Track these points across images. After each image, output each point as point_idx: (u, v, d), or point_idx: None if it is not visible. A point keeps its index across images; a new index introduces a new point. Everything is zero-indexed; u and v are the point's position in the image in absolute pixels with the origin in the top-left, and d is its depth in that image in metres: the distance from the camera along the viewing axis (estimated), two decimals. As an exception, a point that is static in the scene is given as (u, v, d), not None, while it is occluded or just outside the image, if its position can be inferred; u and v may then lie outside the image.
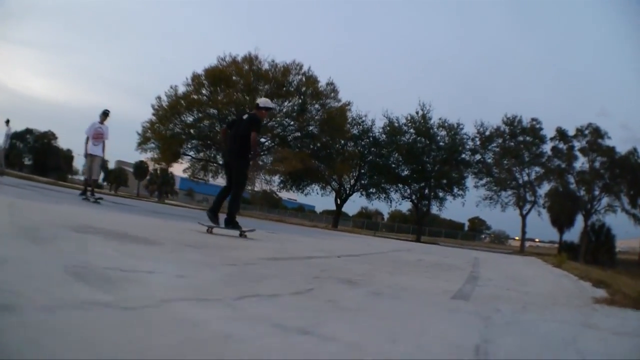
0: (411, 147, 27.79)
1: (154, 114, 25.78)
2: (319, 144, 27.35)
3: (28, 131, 65.45)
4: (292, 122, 27.05)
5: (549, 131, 32.66)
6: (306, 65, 26.46)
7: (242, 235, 5.15)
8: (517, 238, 73.24)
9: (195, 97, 26.10)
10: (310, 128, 27.25)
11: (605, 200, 34.72)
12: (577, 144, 33.70)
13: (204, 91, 26.19)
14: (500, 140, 31.12)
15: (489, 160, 31.22)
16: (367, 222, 50.64)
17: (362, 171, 29.03)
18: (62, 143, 67.02)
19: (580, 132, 33.71)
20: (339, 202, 29.58)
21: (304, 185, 29.17)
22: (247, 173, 5.60)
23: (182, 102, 25.77)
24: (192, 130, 26.37)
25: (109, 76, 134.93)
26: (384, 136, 28.78)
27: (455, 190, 29.41)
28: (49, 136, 64.97)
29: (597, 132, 33.84)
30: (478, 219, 58.01)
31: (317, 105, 27.03)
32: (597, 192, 34.59)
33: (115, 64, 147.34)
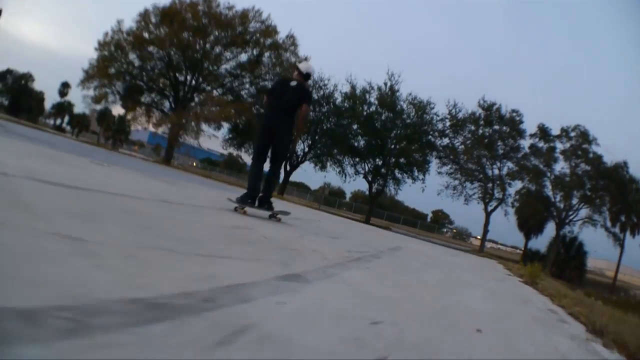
0: (370, 117, 25.19)
1: (97, 49, 23.44)
2: None
3: (8, 72, 63.53)
4: (244, 74, 24.41)
5: (529, 127, 29.92)
6: (266, 13, 23.86)
7: (273, 217, 4.57)
8: (478, 237, 71.70)
9: (145, 34, 23.52)
10: (264, 82, 24.68)
11: (583, 212, 32.22)
12: (560, 146, 31.06)
13: (152, 28, 23.61)
14: (472, 127, 28.42)
15: (458, 146, 28.50)
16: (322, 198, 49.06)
17: (316, 137, 26.43)
18: (38, 85, 65.06)
19: (565, 132, 30.98)
20: (288, 168, 27.02)
21: (249, 145, 26.67)
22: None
23: (129, 38, 23.20)
24: (137, 72, 24.07)
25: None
26: (346, 104, 26.12)
27: (416, 172, 26.84)
28: (27, 77, 62.94)
29: (584, 136, 31.13)
30: (442, 212, 55.77)
31: (273, 59, 24.31)
32: (574, 202, 32.09)
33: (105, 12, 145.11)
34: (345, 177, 27.31)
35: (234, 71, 24.54)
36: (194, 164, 59.38)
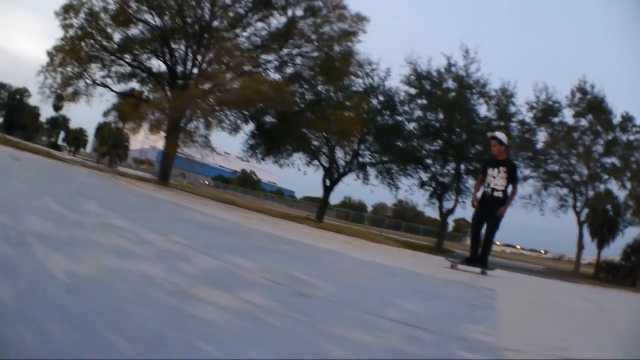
0: (456, 102, 18.06)
1: (61, 22, 15.88)
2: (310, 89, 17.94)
3: (2, 86, 58.82)
4: (274, 46, 17.03)
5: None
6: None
7: (483, 273, 5.19)
8: (518, 247, 64.01)
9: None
10: (298, 61, 17.64)
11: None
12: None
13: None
14: (558, 119, 21.93)
15: (540, 143, 21.96)
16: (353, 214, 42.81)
17: (369, 138, 19.61)
18: (34, 101, 60.37)
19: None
20: (328, 183, 20.54)
21: (282, 153, 20.15)
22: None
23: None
24: (117, 48, 16.47)
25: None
26: (403, 94, 19.48)
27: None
28: (22, 92, 58.11)
29: None
30: (464, 220, 48.80)
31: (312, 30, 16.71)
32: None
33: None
34: (397, 190, 20.66)
35: (260, 42, 17.08)
36: (207, 182, 53.42)
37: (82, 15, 15.85)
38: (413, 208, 41.63)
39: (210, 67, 15.49)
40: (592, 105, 21.89)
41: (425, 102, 18.99)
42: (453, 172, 19.64)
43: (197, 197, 12.56)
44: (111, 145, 29.87)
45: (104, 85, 17.22)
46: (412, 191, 20.40)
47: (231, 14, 16.01)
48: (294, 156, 20.32)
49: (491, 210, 5.01)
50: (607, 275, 23.47)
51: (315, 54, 17.23)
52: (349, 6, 16.26)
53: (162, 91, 17.03)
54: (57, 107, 47.37)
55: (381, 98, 19.56)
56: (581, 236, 24.75)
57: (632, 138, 23.80)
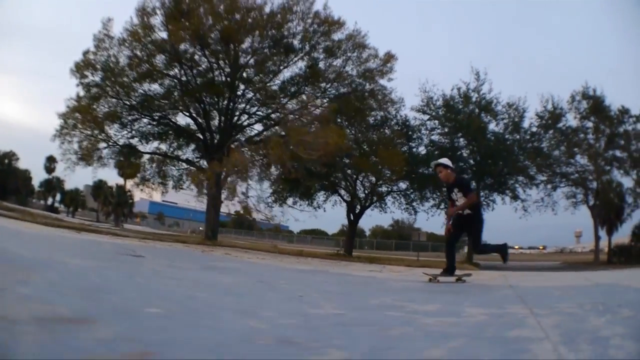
0: (479, 127, 18.97)
1: (76, 75, 14.97)
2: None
3: (-12, 151, 57.62)
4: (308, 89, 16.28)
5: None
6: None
7: (460, 280, 5.22)
8: (517, 247, 64.63)
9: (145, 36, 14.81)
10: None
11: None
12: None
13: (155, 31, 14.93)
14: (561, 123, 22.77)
15: (545, 148, 22.59)
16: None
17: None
18: (23, 164, 59.08)
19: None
20: (351, 217, 20.21)
21: (312, 195, 19.33)
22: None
23: (127, 43, 14.86)
24: (140, 101, 15.59)
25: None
26: (414, 120, 19.72)
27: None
28: (10, 156, 56.96)
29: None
30: None
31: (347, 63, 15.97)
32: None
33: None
34: (415, 214, 20.67)
35: (291, 86, 16.32)
36: (200, 228, 52.29)
37: (99, 72, 15.02)
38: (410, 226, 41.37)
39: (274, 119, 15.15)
40: (595, 108, 22.87)
41: (441, 126, 19.77)
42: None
43: (253, 251, 11.84)
44: (115, 203, 29.10)
45: (130, 146, 16.31)
46: (432, 212, 20.44)
47: (264, 63, 15.57)
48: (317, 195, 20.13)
49: (466, 226, 5.31)
50: (619, 258, 23.87)
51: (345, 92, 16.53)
52: (371, 44, 15.82)
53: (197, 151, 16.55)
54: (48, 169, 46.44)
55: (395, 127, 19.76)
56: (596, 227, 25.36)
57: (629, 128, 24.63)
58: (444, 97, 19.83)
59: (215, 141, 15.85)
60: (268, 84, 16.04)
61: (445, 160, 5.49)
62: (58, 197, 47.61)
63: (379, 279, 5.49)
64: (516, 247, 61.44)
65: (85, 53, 15.16)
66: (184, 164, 17.57)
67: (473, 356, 1.40)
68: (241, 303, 2.41)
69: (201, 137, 16.54)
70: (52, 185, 45.73)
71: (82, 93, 15.24)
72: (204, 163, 16.47)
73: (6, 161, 57.60)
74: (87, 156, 15.26)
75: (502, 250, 5.56)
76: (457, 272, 5.36)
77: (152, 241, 10.38)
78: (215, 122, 16.37)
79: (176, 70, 15.60)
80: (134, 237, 10.45)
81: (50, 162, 44.27)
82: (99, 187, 34.83)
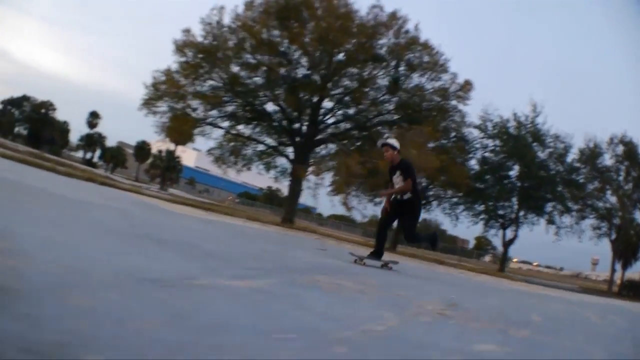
0: (530, 155, 20.92)
1: (181, 63, 16.65)
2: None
3: (25, 98, 58.87)
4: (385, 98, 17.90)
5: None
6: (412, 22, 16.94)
7: (385, 266, 5.38)
8: (535, 264, 66.05)
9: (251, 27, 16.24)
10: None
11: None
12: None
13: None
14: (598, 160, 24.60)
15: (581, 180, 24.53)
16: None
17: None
18: (60, 115, 60.35)
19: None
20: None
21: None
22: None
23: (230, 33, 16.47)
24: (238, 87, 16.91)
25: (118, 56, 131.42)
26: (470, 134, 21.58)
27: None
28: (47, 106, 58.30)
29: None
30: (484, 238, 51.78)
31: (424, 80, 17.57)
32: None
33: (127, 45, 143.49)
34: (457, 220, 22.70)
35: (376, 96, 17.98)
36: (230, 197, 54.37)
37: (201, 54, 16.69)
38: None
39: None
40: (630, 153, 24.76)
41: (494, 147, 21.41)
42: (516, 206, 21.80)
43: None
44: (164, 167, 30.51)
45: (218, 126, 18.07)
46: (473, 221, 22.40)
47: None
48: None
49: (401, 213, 5.32)
50: (629, 292, 25.81)
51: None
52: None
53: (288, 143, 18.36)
54: (91, 124, 47.80)
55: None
56: (614, 260, 27.24)
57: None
58: (502, 121, 21.55)
59: (303, 132, 17.66)
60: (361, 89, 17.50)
61: (393, 141, 5.45)
62: (98, 152, 49.12)
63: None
64: (534, 263, 63.04)
65: (187, 32, 16.66)
66: (261, 145, 19.23)
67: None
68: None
69: (286, 126, 18.13)
70: (93, 140, 47.22)
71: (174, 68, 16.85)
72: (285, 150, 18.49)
73: (43, 111, 59.01)
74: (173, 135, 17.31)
75: (432, 239, 5.78)
76: (384, 258, 5.46)
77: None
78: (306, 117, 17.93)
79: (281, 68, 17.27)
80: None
81: (93, 118, 45.77)
82: (141, 147, 36.35)
